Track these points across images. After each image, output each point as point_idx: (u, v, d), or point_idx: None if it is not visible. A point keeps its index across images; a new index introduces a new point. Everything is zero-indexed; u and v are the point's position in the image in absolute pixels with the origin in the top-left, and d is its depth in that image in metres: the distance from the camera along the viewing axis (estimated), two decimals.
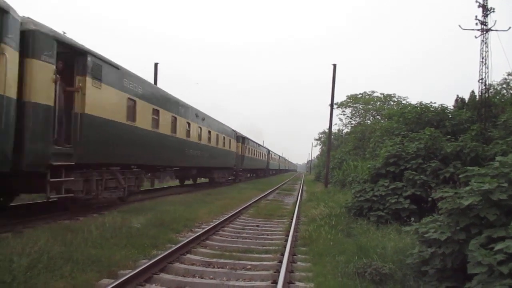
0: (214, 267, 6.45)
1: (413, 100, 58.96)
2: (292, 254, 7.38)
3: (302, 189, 27.74)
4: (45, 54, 8.15)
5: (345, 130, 44.82)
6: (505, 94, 24.24)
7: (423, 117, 15.40)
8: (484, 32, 14.64)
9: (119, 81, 11.33)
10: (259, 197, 19.05)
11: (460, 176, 6.03)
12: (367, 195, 10.84)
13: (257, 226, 10.89)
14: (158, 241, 7.88)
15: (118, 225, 8.56)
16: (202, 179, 26.30)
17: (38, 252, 5.76)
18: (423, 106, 16.25)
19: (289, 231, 9.31)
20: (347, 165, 23.94)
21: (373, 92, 39.67)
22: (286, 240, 8.25)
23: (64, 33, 9.21)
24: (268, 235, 9.66)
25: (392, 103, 37.29)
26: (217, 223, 10.15)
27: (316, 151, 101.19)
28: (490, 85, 16.10)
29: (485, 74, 14.69)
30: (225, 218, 11.10)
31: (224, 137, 26.30)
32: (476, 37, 14.80)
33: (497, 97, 20.11)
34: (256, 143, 44.71)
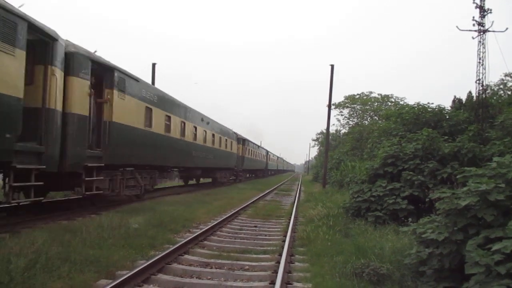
0: (212, 268, 6.46)
1: (413, 101, 59.12)
2: (290, 254, 7.38)
3: (300, 190, 27.75)
4: (83, 72, 9.55)
5: (343, 131, 44.90)
6: (502, 95, 24.28)
7: (420, 118, 15.39)
8: (481, 33, 14.65)
9: (138, 92, 12.82)
10: (257, 197, 19.10)
11: (457, 177, 6.04)
12: (365, 196, 10.85)
13: (255, 226, 10.91)
14: (156, 241, 7.89)
15: (116, 225, 8.55)
16: (204, 179, 26.79)
17: (36, 253, 5.75)
18: (420, 106, 16.24)
19: (287, 232, 9.32)
20: (345, 166, 23.96)
21: (371, 92, 39.69)
22: (284, 241, 8.26)
23: (95, 51, 10.48)
24: (266, 235, 9.68)
25: (389, 103, 37.34)
26: (215, 223, 10.16)
27: (314, 151, 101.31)
28: (487, 85, 16.10)
29: (483, 74, 14.71)
30: (223, 218, 11.13)
31: (226, 139, 27.26)
32: (473, 38, 14.80)
33: (494, 97, 20.11)
34: (256, 145, 45.50)
